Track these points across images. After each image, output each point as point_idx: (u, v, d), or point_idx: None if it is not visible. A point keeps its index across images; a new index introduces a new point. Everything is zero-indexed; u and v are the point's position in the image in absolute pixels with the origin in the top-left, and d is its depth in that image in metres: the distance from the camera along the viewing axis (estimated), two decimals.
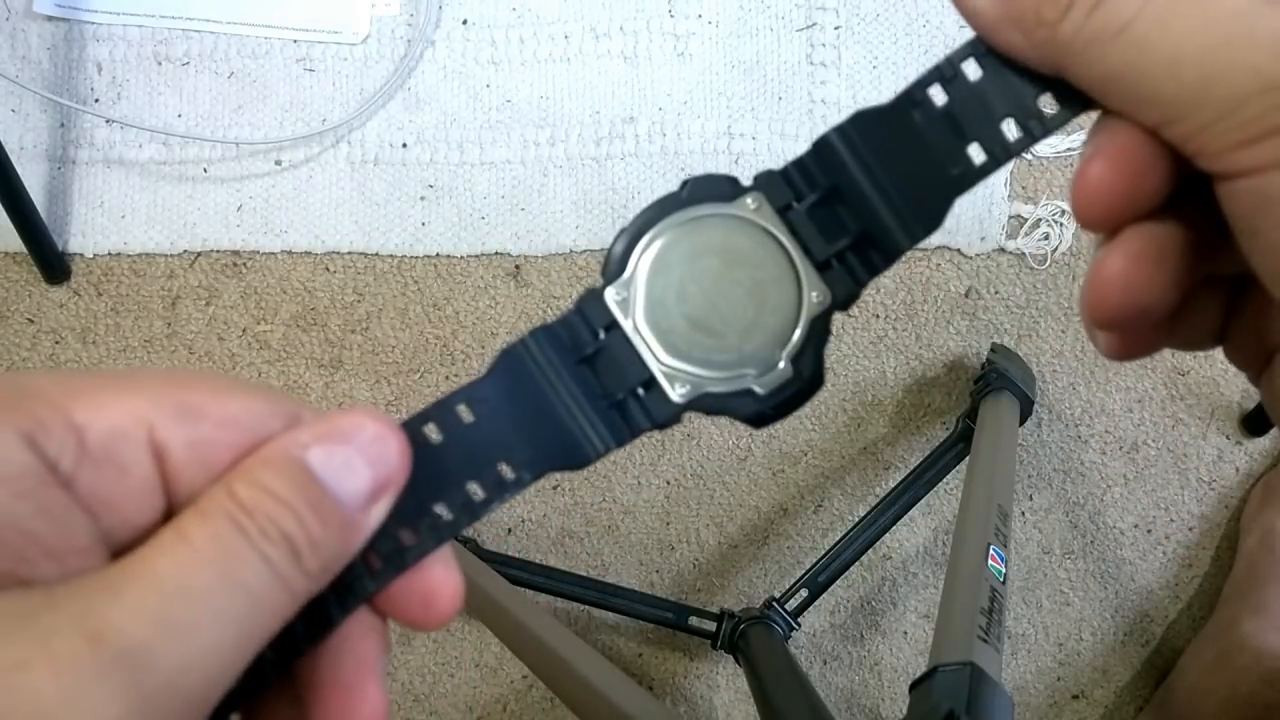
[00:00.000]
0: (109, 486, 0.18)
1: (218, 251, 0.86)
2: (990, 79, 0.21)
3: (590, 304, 0.22)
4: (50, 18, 0.86)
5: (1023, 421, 0.81)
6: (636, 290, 0.22)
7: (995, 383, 0.79)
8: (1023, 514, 0.85)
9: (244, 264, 0.86)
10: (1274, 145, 0.18)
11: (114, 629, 0.16)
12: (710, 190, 0.22)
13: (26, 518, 0.17)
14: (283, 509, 0.18)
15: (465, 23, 0.86)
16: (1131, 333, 0.22)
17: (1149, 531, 0.85)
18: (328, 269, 0.85)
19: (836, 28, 0.86)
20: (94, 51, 0.86)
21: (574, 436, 0.22)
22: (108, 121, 0.86)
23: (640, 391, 0.22)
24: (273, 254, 0.85)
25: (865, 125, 0.22)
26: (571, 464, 0.22)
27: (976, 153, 0.21)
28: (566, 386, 0.22)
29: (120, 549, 0.18)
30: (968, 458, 0.77)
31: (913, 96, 0.21)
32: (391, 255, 0.85)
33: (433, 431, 0.21)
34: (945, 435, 0.82)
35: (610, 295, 0.22)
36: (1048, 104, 0.20)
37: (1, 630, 0.15)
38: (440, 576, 0.21)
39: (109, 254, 0.85)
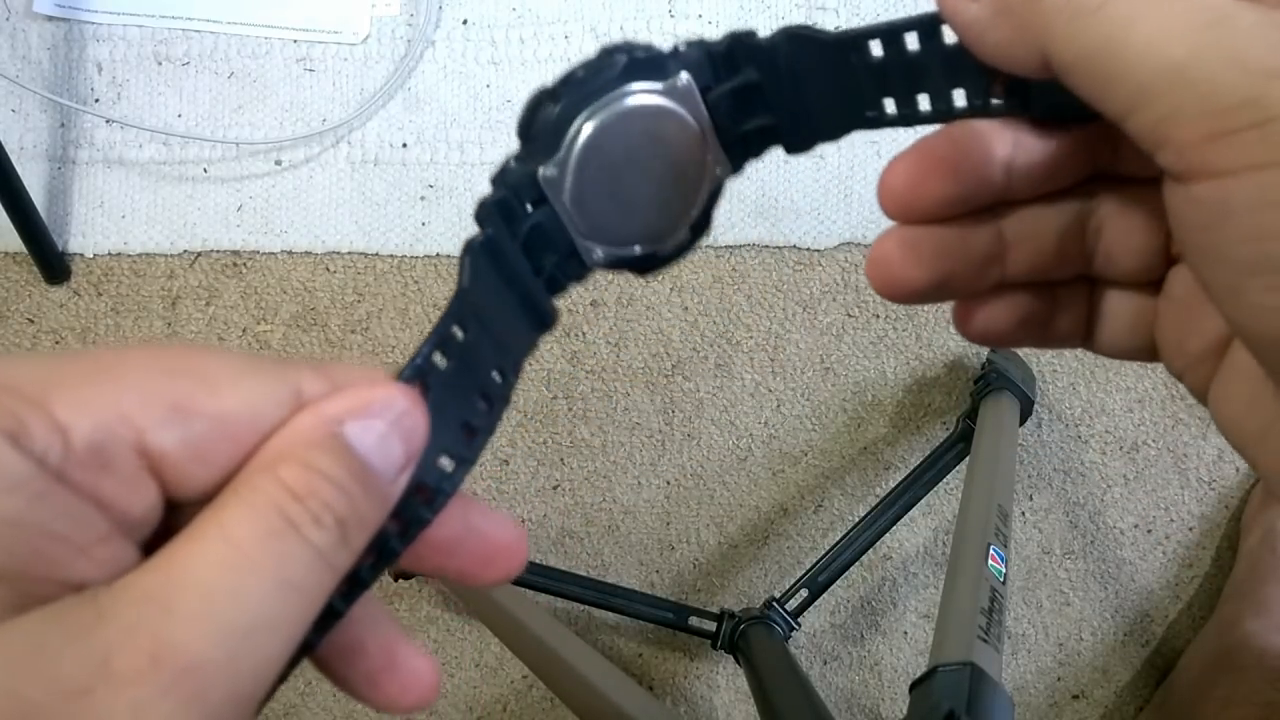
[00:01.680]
0: (98, 483, 0.17)
1: (218, 251, 0.86)
2: (924, 56, 0.22)
3: (521, 180, 0.22)
4: (50, 18, 0.86)
5: (1023, 421, 0.81)
6: (568, 170, 0.22)
7: (995, 383, 0.79)
8: (1023, 514, 0.85)
9: (244, 264, 0.86)
10: (1244, 143, 0.17)
11: (172, 646, 0.15)
12: (641, 70, 0.22)
13: (51, 520, 0.16)
14: (335, 490, 0.17)
15: (465, 23, 0.86)
16: (987, 320, 0.24)
17: (1149, 531, 0.85)
18: (328, 269, 0.85)
19: (836, 28, 0.86)
20: (94, 51, 0.86)
21: (523, 320, 0.22)
22: (108, 121, 0.86)
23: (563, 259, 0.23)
24: (273, 254, 0.85)
25: (801, 43, 0.23)
26: (527, 349, 0.23)
27: (891, 106, 0.23)
28: (513, 271, 0.22)
29: (130, 534, 0.18)
30: (968, 458, 0.77)
31: (855, 42, 0.22)
32: (391, 255, 0.85)
33: (439, 360, 0.20)
34: (945, 435, 0.82)
35: (543, 173, 0.22)
36: (959, 97, 0.22)
37: (56, 649, 0.15)
38: (512, 533, 0.21)
39: (109, 254, 0.85)
